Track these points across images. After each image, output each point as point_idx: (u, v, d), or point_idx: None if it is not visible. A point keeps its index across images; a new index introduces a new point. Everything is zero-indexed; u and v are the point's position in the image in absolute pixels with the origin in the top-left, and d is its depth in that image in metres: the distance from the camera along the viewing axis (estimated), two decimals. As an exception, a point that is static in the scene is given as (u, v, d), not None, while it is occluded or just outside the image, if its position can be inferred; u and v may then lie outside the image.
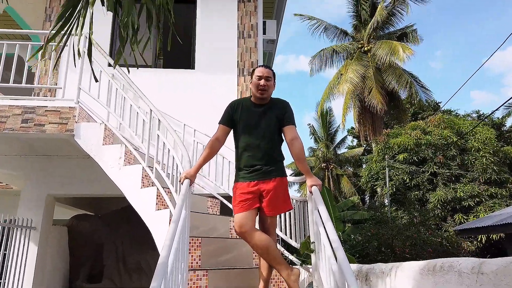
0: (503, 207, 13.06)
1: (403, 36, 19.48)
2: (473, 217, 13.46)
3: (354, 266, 3.13)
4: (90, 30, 1.60)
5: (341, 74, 19.13)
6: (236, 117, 2.86)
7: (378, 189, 16.67)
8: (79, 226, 6.74)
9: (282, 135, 2.86)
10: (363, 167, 22.84)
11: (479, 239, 13.37)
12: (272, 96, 2.92)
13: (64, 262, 6.43)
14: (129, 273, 6.68)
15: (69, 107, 4.25)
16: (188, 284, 2.94)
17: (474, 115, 22.62)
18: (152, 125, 4.09)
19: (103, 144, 4.09)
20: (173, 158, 3.74)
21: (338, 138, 26.10)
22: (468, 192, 13.90)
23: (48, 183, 5.48)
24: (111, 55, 6.07)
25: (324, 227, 2.34)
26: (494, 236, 12.49)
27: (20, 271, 4.97)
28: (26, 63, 4.03)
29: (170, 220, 3.38)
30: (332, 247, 2.12)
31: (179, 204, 2.41)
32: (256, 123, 2.80)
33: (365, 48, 18.77)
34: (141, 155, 4.04)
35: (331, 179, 23.50)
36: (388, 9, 18.71)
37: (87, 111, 4.54)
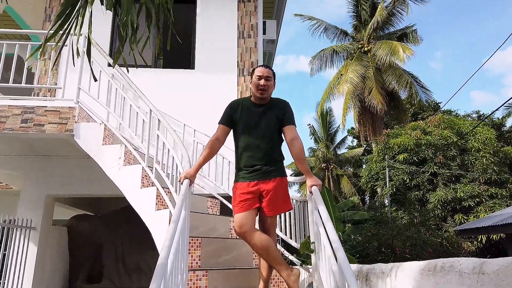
0: (503, 207, 13.05)
1: (403, 36, 19.47)
2: (473, 217, 13.45)
3: (354, 267, 3.12)
4: (89, 29, 1.59)
5: (341, 74, 19.13)
6: (236, 117, 2.85)
7: (378, 189, 16.67)
8: (78, 226, 6.73)
9: (282, 135, 2.85)
10: (363, 167, 22.83)
11: (479, 239, 13.37)
12: (272, 96, 2.91)
13: (63, 262, 6.42)
14: (128, 273, 6.67)
15: (69, 107, 4.24)
16: (188, 285, 2.94)
17: (474, 115, 22.62)
18: (152, 125, 4.08)
19: (102, 144, 4.08)
20: (173, 158, 3.74)
21: (338, 138, 26.14)
22: (468, 192, 13.90)
23: (47, 183, 5.47)
24: (111, 55, 6.06)
25: (324, 227, 2.33)
26: (494, 236, 12.49)
27: (19, 271, 4.96)
28: (25, 63, 4.03)
29: (169, 220, 3.37)
30: (332, 247, 2.11)
31: (178, 204, 2.41)
32: (256, 123, 2.79)
33: (365, 48, 18.76)
34: (141, 155, 4.04)
35: (331, 180, 23.50)
36: (388, 9, 18.70)
37: (86, 111, 4.53)
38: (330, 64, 19.94)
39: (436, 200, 14.08)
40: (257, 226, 2.75)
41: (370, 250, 6.36)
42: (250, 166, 2.73)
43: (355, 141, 28.92)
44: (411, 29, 19.57)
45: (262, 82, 2.78)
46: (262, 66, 2.92)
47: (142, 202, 3.73)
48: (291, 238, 3.93)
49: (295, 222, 3.91)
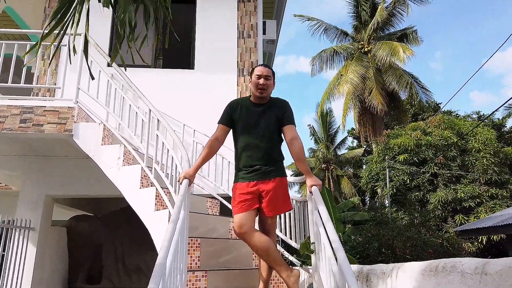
0: (504, 208, 13.02)
1: (403, 37, 19.46)
2: (474, 218, 13.43)
3: (355, 267, 3.10)
4: (86, 26, 1.57)
5: (341, 75, 19.11)
6: (235, 117, 2.83)
7: (379, 190, 16.64)
8: (78, 227, 6.71)
9: (282, 135, 2.83)
10: (363, 168, 22.80)
11: (479, 240, 13.34)
12: (272, 96, 2.90)
13: (63, 263, 6.40)
14: (128, 274, 6.64)
15: (68, 107, 4.22)
16: (187, 285, 2.92)
17: (474, 116, 22.60)
18: (151, 125, 4.07)
19: (102, 144, 4.07)
20: (172, 158, 3.72)
21: (338, 139, 26.12)
22: (468, 193, 13.87)
23: (47, 183, 5.45)
24: (110, 55, 6.05)
25: (324, 228, 2.31)
26: (495, 237, 12.47)
27: (18, 272, 4.94)
28: (23, 60, 4.01)
29: (169, 220, 3.35)
30: (332, 248, 2.09)
31: (177, 204, 2.39)
32: (256, 122, 2.77)
33: (366, 49, 18.74)
34: (140, 155, 4.02)
35: (331, 180, 23.48)
36: (388, 10, 18.69)
37: (86, 111, 4.51)
38: (330, 65, 19.92)
39: (437, 201, 14.05)
40: (257, 227, 2.73)
41: (371, 251, 6.34)
42: (250, 166, 2.71)
43: (355, 141, 28.89)
44: (411, 29, 19.55)
45: (261, 81, 2.77)
46: (261, 65, 2.91)
47: (141, 202, 3.71)
48: (291, 238, 3.91)
49: (295, 223, 3.89)
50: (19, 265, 4.96)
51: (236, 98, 4.24)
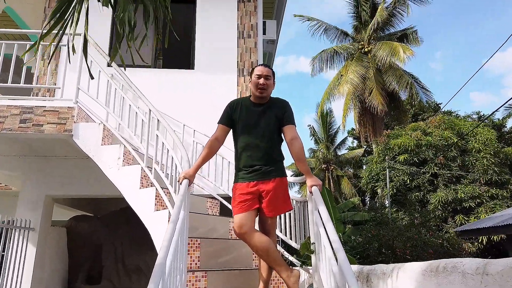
0: (504, 208, 13.02)
1: (404, 37, 19.44)
2: (474, 218, 13.42)
3: (355, 267, 3.09)
4: (85, 25, 1.57)
5: (341, 75, 19.10)
6: (235, 117, 2.82)
7: (379, 190, 16.64)
8: (78, 227, 6.70)
9: (282, 135, 2.82)
10: (364, 168, 22.80)
11: (480, 240, 13.34)
12: (272, 96, 2.89)
13: (62, 263, 6.39)
14: (128, 274, 6.64)
15: (68, 107, 4.22)
16: (187, 286, 2.91)
17: (475, 116, 22.60)
18: (151, 125, 4.06)
19: (101, 145, 4.06)
20: (172, 158, 3.72)
21: (339, 139, 26.11)
22: (469, 193, 13.87)
23: (47, 183, 5.45)
24: (110, 55, 6.05)
25: (325, 228, 2.30)
26: (495, 237, 12.47)
27: (18, 273, 4.94)
28: (23, 59, 4.01)
29: (169, 220, 3.35)
30: (332, 248, 2.09)
31: (177, 204, 2.39)
32: (256, 122, 2.76)
33: (366, 49, 18.73)
34: (140, 156, 4.02)
35: (331, 180, 23.46)
36: (389, 10, 18.68)
37: (85, 111, 4.51)
38: (330, 65, 19.91)
39: (437, 201, 14.05)
40: (257, 227, 2.72)
41: (371, 251, 6.34)
42: (250, 166, 2.70)
43: (356, 142, 28.89)
44: (412, 29, 19.54)
45: (261, 81, 2.76)
46: (261, 65, 2.90)
47: (141, 202, 3.71)
48: (291, 238, 3.90)
49: (295, 223, 3.88)
50: (19, 265, 4.96)
51: (236, 98, 4.24)
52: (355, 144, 29.00)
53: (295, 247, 3.83)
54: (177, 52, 6.16)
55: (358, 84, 17.51)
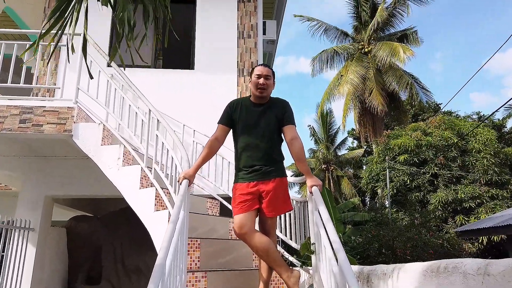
0: (504, 208, 13.02)
1: (404, 37, 19.44)
2: (474, 218, 13.42)
3: (355, 268, 3.09)
4: (85, 25, 1.56)
5: (341, 75, 19.10)
6: (235, 117, 2.82)
7: (379, 191, 16.64)
8: (77, 228, 6.69)
9: (282, 135, 2.82)
10: (364, 168, 22.80)
11: (480, 240, 13.33)
12: (272, 96, 2.88)
13: (62, 263, 6.38)
14: (128, 274, 6.63)
15: (68, 107, 4.21)
16: (187, 286, 2.91)
17: (475, 116, 22.60)
18: (151, 126, 4.06)
19: (101, 145, 4.06)
20: (172, 158, 3.71)
21: (339, 139, 26.10)
22: (469, 193, 13.87)
23: (46, 184, 5.44)
24: (109, 55, 6.04)
25: (325, 228, 2.30)
26: (495, 237, 12.46)
27: (18, 273, 4.93)
28: (22, 59, 4.00)
29: (169, 221, 3.34)
30: (332, 248, 2.08)
31: (177, 204, 2.38)
32: (255, 122, 2.76)
33: (366, 49, 18.73)
34: (140, 156, 4.01)
35: (331, 181, 23.45)
36: (389, 11, 18.68)
37: (85, 111, 4.50)
38: (330, 65, 19.90)
39: (437, 201, 14.05)
40: (257, 227, 2.72)
41: (371, 252, 6.34)
42: (250, 167, 2.70)
43: (356, 142, 28.88)
44: (412, 30, 19.54)
45: (261, 80, 2.75)
46: (261, 65, 2.89)
47: (141, 202, 3.70)
48: (291, 239, 3.90)
49: (295, 223, 3.88)
50: (19, 266, 4.95)
51: (236, 98, 4.23)
52: (355, 145, 28.99)
53: (295, 248, 3.82)
54: (177, 52, 6.16)
55: (358, 84, 17.50)
